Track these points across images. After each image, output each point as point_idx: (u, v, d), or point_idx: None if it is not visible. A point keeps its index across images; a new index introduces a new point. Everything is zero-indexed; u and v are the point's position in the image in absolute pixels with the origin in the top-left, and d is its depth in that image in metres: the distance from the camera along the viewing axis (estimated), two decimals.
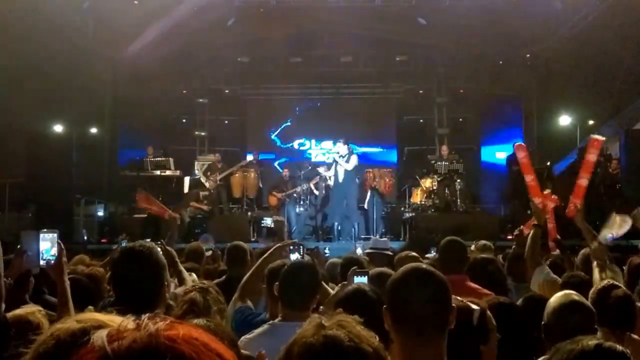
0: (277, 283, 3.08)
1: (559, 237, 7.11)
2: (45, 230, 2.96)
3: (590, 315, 2.63)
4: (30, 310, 1.89)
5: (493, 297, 2.82)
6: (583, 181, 5.98)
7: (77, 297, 2.80)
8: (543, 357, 2.54)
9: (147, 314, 0.84)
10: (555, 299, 2.72)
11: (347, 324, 1.38)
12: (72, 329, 1.33)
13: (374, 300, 2.60)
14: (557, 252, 6.38)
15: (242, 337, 2.83)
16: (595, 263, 4.40)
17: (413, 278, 1.92)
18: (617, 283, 3.50)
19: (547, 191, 6.09)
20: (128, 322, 0.82)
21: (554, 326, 2.59)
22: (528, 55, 15.04)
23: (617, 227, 5.18)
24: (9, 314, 1.91)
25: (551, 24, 13.64)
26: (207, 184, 13.44)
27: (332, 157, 12.78)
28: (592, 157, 6.14)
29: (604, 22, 11.91)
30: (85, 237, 12.18)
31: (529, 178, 6.09)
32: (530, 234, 4.73)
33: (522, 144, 6.80)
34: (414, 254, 5.20)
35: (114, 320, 1.37)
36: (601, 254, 4.49)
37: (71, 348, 1.25)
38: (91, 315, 1.39)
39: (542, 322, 2.67)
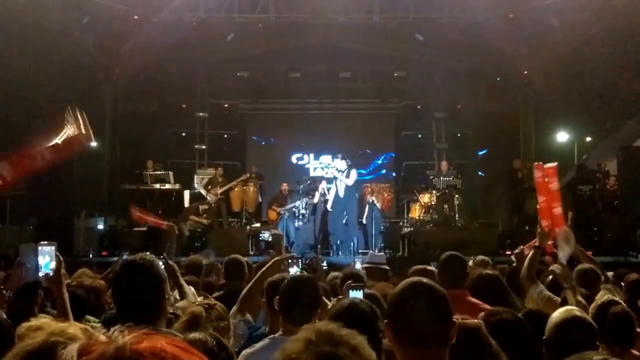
0: (277, 297, 3.09)
1: (555, 250, 7.12)
2: (43, 242, 2.97)
3: (592, 331, 2.65)
4: (45, 320, 1.91)
5: (497, 310, 2.84)
6: (557, 210, 5.97)
7: (78, 308, 2.81)
8: None
9: (118, 327, 0.85)
10: (557, 314, 2.74)
11: (337, 338, 1.32)
12: (41, 342, 1.35)
13: (368, 314, 2.62)
14: (555, 265, 6.38)
15: (243, 351, 2.84)
16: (565, 285, 4.42)
17: (414, 292, 1.94)
18: (616, 299, 3.52)
19: (557, 209, 6.06)
20: (98, 335, 0.83)
21: (555, 341, 2.61)
22: (525, 72, 15.14)
23: (563, 243, 5.24)
24: (25, 324, 1.93)
25: (548, 42, 13.74)
26: (208, 198, 13.46)
27: (332, 172, 12.79)
28: (553, 185, 6.13)
29: (600, 39, 12.00)
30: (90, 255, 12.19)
31: (541, 199, 6.07)
32: (530, 255, 4.77)
33: (540, 163, 6.77)
34: (430, 267, 5.21)
35: (86, 333, 1.40)
36: (566, 276, 4.53)
37: None
38: (62, 328, 1.41)
39: (544, 337, 2.69)
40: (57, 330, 1.41)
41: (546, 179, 6.25)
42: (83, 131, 5.45)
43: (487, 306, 3.46)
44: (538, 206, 6.28)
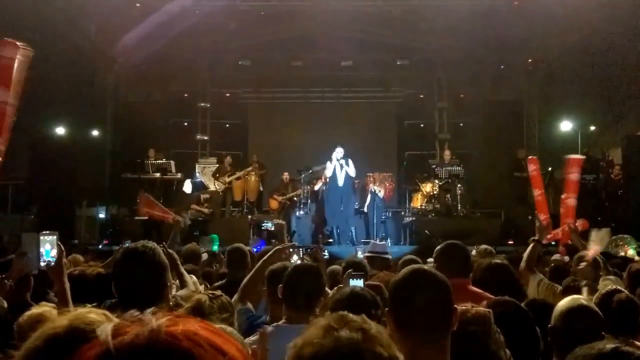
0: (281, 285, 3.08)
1: (570, 242, 7.09)
2: (45, 232, 2.97)
3: (598, 319, 2.63)
4: (45, 309, 1.90)
5: (501, 300, 2.82)
6: (571, 201, 5.92)
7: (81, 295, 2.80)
8: None
9: (151, 309, 0.84)
10: (564, 302, 2.73)
11: (357, 324, 1.32)
12: (61, 327, 1.33)
13: (369, 302, 2.61)
14: (567, 257, 6.35)
15: (246, 339, 2.83)
16: (583, 283, 4.40)
17: (414, 280, 1.93)
18: (620, 288, 3.50)
19: (571, 200, 5.98)
20: (132, 316, 0.82)
21: (561, 329, 2.59)
22: (530, 60, 15.06)
23: (598, 242, 5.21)
24: (27, 314, 1.93)
25: (553, 29, 13.65)
26: (216, 186, 13.49)
27: (338, 158, 12.61)
28: (573, 176, 6.07)
29: (605, 27, 11.93)
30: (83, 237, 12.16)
31: (537, 192, 6.04)
32: (529, 249, 4.81)
33: (534, 157, 6.72)
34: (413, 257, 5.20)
35: (105, 318, 1.38)
36: (589, 274, 4.52)
37: (61, 346, 1.25)
38: (82, 314, 1.39)
39: (549, 325, 2.67)
40: (79, 316, 1.39)
41: (569, 171, 6.17)
42: None
43: (490, 295, 3.44)
44: (535, 199, 6.23)
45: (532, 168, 6.26)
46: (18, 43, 5.32)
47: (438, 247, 3.97)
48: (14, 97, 5.05)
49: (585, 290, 4.12)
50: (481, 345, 2.06)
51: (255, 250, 7.16)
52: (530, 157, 6.81)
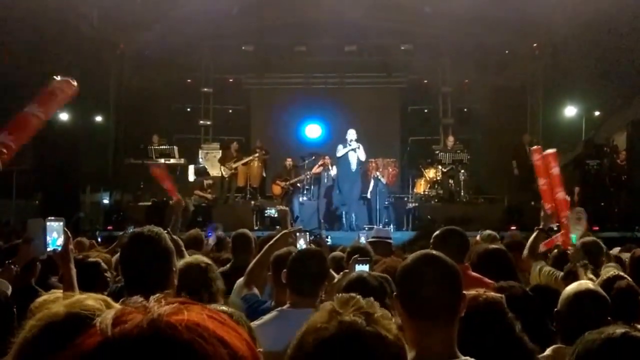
0: (285, 270, 3.09)
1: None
2: (51, 218, 2.98)
3: (605, 304, 2.63)
4: (56, 296, 1.91)
5: (507, 285, 2.83)
6: (561, 194, 5.89)
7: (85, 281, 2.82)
8: (555, 346, 2.55)
9: (156, 295, 0.81)
10: (571, 287, 2.73)
11: (363, 309, 1.32)
12: (59, 314, 1.33)
13: (376, 287, 2.62)
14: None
15: (251, 324, 2.84)
16: (579, 264, 4.41)
17: (423, 264, 1.92)
18: (622, 274, 3.51)
19: (560, 194, 5.98)
20: (134, 303, 0.79)
21: (567, 314, 2.60)
22: (535, 45, 14.95)
23: (575, 223, 5.23)
24: (40, 299, 1.94)
25: (558, 14, 13.55)
26: (222, 172, 13.51)
27: (350, 141, 12.44)
28: (555, 170, 6.04)
29: (611, 12, 11.83)
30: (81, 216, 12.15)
31: (542, 182, 5.99)
32: (533, 236, 4.82)
33: (539, 147, 6.68)
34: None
35: (104, 305, 1.38)
36: (578, 255, 4.54)
37: (59, 333, 1.26)
38: (79, 300, 1.39)
39: (556, 310, 2.68)
40: (76, 302, 1.39)
41: (547, 165, 6.18)
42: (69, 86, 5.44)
43: (489, 281, 3.45)
44: (539, 189, 6.20)
45: (537, 157, 6.21)
46: (74, 83, 5.47)
47: (436, 232, 3.95)
48: (45, 115, 5.20)
49: (581, 271, 4.13)
50: (496, 330, 2.07)
51: (208, 236, 7.16)
52: (534, 146, 6.76)
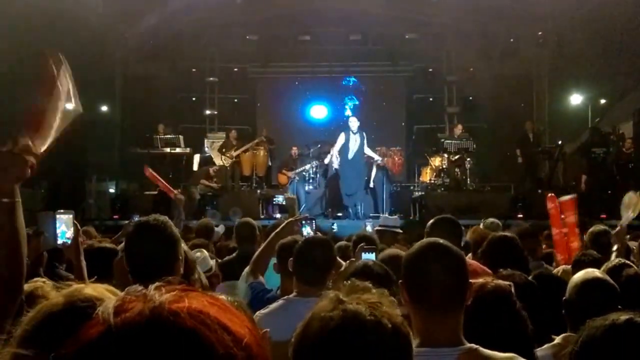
0: (291, 259, 3.08)
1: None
2: (61, 211, 2.99)
3: (614, 292, 2.62)
4: (38, 284, 1.90)
5: (509, 273, 2.82)
6: (574, 244, 5.66)
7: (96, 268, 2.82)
8: (564, 334, 2.55)
9: (156, 283, 0.80)
10: (579, 275, 2.72)
11: (367, 297, 1.32)
12: (58, 305, 1.33)
13: (382, 276, 2.62)
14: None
15: (257, 312, 2.85)
16: (615, 247, 4.38)
17: (430, 252, 1.92)
18: (628, 262, 3.49)
19: (574, 244, 5.80)
20: (135, 291, 0.78)
21: (575, 302, 2.60)
22: (540, 33, 14.85)
23: (633, 206, 5.13)
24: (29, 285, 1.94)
25: (564, 1, 13.45)
26: (223, 161, 13.50)
27: (354, 131, 12.34)
28: (570, 219, 5.84)
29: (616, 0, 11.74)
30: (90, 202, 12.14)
31: (555, 232, 5.80)
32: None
33: (553, 195, 6.39)
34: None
35: (104, 294, 1.38)
36: (623, 237, 4.50)
37: (59, 322, 1.26)
38: (77, 290, 1.39)
39: (564, 298, 2.68)
40: (74, 292, 1.39)
41: (562, 214, 5.93)
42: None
43: (488, 270, 3.42)
44: (553, 239, 6.00)
45: (551, 206, 5.99)
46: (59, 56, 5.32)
47: (430, 221, 3.90)
48: (54, 103, 5.08)
49: (614, 254, 4.11)
50: (504, 319, 2.07)
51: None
52: (549, 194, 6.42)
